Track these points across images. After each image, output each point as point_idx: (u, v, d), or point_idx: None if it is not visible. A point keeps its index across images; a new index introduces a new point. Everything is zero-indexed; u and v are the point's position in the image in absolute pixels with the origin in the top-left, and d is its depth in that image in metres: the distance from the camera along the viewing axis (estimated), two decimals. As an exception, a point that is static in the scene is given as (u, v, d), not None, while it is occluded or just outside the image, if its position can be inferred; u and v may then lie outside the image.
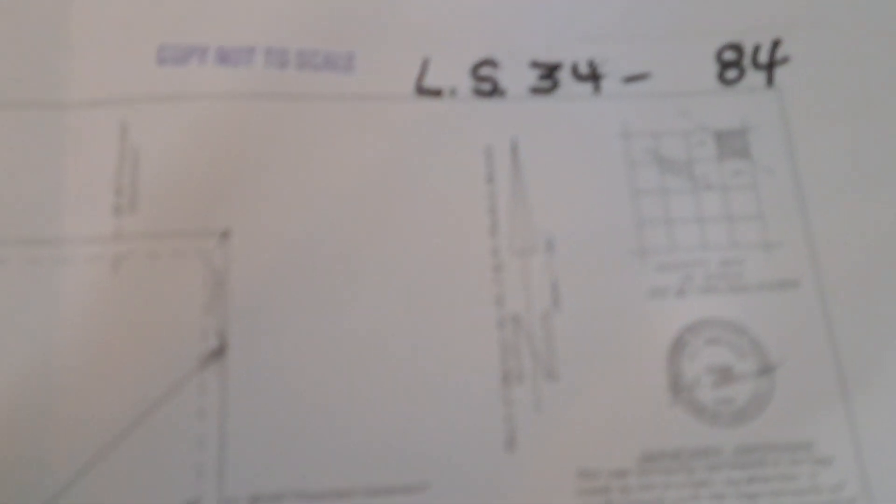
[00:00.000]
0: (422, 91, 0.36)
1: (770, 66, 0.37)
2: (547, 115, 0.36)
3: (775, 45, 0.37)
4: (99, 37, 0.35)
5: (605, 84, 0.37)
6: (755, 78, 0.37)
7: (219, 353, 0.31)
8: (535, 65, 0.37)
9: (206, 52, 0.35)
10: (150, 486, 0.30)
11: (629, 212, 0.35)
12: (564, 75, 0.37)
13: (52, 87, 0.34)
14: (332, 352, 0.32)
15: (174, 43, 0.35)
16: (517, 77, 0.37)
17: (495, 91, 0.36)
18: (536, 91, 0.37)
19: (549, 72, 0.37)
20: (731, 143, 0.36)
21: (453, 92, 0.36)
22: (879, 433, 0.32)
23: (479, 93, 0.36)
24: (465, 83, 0.36)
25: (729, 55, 0.38)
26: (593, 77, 0.37)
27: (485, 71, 0.37)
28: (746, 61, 0.37)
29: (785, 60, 0.37)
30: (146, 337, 0.32)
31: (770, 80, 0.37)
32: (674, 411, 0.32)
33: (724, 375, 0.33)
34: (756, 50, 0.38)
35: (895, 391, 0.32)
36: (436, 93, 0.36)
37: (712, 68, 0.37)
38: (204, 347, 0.32)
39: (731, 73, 0.37)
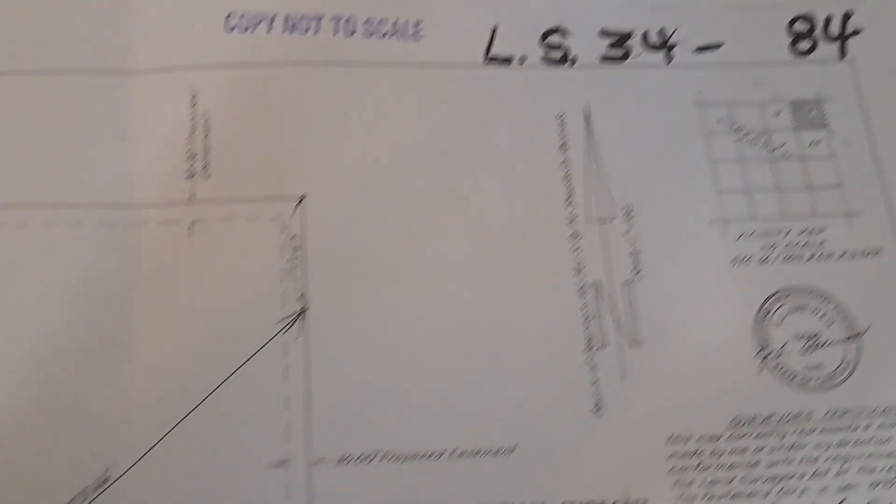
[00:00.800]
0: (491, 59, 0.40)
1: (842, 38, 0.41)
2: (618, 83, 0.40)
3: (846, 17, 0.41)
4: (167, 4, 0.39)
5: (677, 53, 0.41)
6: (828, 49, 0.41)
7: (300, 315, 0.35)
8: (606, 33, 0.41)
9: (274, 20, 0.39)
10: (238, 447, 0.33)
11: (707, 181, 0.38)
12: (635, 44, 0.41)
13: (120, 55, 0.38)
14: (414, 314, 0.35)
15: (242, 10, 0.39)
16: (587, 45, 0.40)
17: (565, 59, 0.40)
18: (607, 59, 0.40)
19: (620, 40, 0.41)
20: (807, 113, 0.40)
21: (523, 60, 0.40)
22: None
23: (549, 61, 0.40)
24: (535, 51, 0.40)
25: (800, 26, 0.41)
26: (665, 46, 0.41)
27: (554, 39, 0.40)
28: (818, 33, 0.41)
29: (857, 32, 0.41)
30: (225, 300, 0.35)
31: (843, 52, 0.41)
32: (762, 377, 0.35)
33: (812, 342, 0.36)
34: (828, 21, 0.41)
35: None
36: (505, 60, 0.40)
37: (784, 39, 0.41)
38: (284, 310, 0.35)
39: (804, 45, 0.41)
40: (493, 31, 0.40)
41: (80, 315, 0.34)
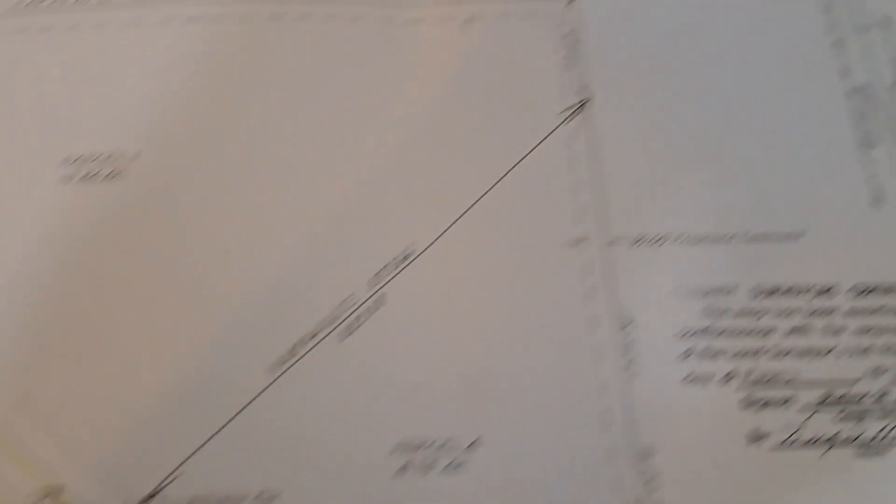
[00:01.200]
0: None
1: None
2: None
3: None
4: None
5: None
6: None
7: (581, 106, 0.36)
8: None
9: None
10: (533, 227, 0.35)
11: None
12: None
13: None
14: (698, 103, 0.37)
15: None
16: None
17: None
18: None
19: None
20: None
21: None
22: None
23: None
24: None
25: None
26: None
27: None
28: None
29: None
30: (503, 94, 0.36)
31: None
32: None
33: None
34: None
35: None
36: None
37: None
38: (564, 102, 0.36)
39: None
40: None
41: (362, 105, 0.35)
